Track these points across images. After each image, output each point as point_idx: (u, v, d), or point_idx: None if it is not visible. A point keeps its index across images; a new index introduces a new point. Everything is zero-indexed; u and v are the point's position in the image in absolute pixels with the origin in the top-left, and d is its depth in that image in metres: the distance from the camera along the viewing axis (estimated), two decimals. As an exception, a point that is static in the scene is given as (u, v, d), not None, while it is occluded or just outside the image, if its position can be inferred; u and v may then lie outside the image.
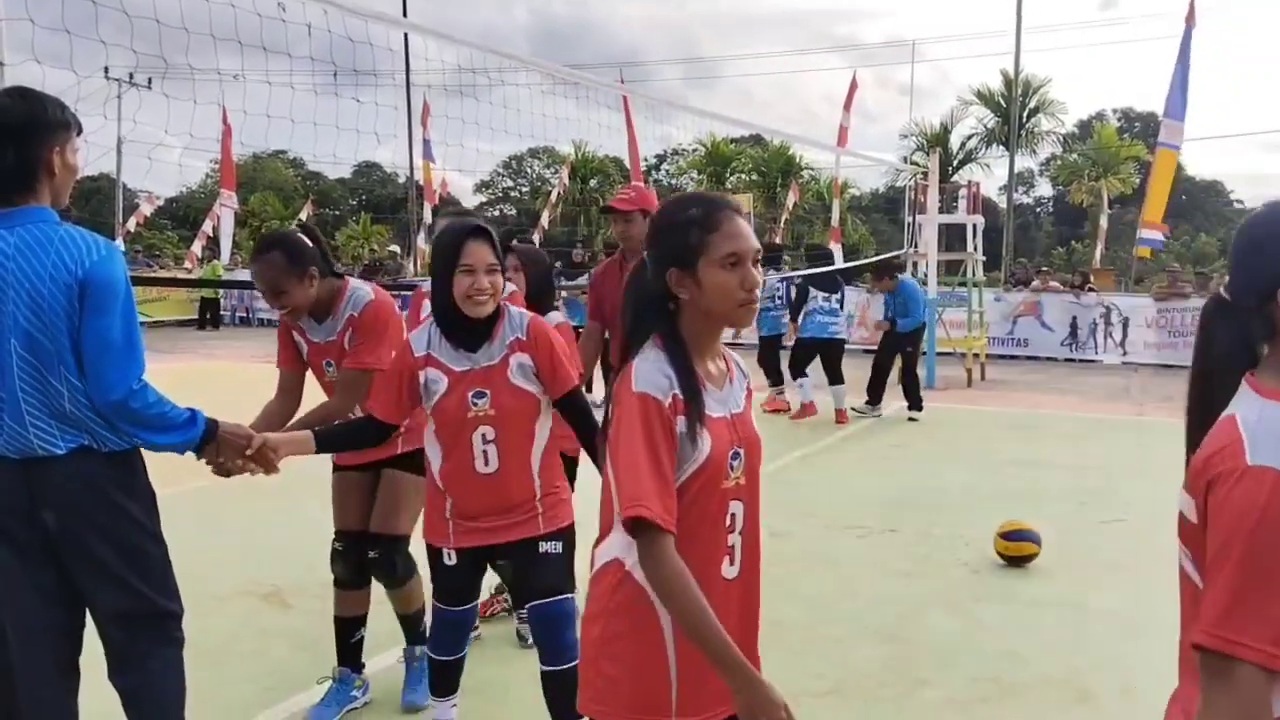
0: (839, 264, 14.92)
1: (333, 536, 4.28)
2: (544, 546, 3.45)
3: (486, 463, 3.36)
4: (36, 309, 2.82)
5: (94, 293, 2.86)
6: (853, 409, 12.42)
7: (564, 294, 14.81)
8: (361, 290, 4.09)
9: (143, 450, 3.07)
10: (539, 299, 4.75)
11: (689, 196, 2.39)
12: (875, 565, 6.41)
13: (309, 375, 4.22)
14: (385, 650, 4.63)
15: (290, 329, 4.16)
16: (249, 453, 3.19)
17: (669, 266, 2.22)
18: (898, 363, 12.68)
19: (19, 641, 3.03)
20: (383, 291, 4.17)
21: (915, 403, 12.50)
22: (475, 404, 3.32)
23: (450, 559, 3.50)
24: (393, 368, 3.43)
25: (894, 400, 13.42)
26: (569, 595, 3.48)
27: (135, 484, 3.05)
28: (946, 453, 10.45)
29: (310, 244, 3.97)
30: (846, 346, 12.84)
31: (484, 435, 3.34)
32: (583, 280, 13.45)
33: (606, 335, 5.69)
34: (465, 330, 3.35)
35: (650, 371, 2.16)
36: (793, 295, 13.00)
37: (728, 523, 2.25)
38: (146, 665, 3.09)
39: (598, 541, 2.31)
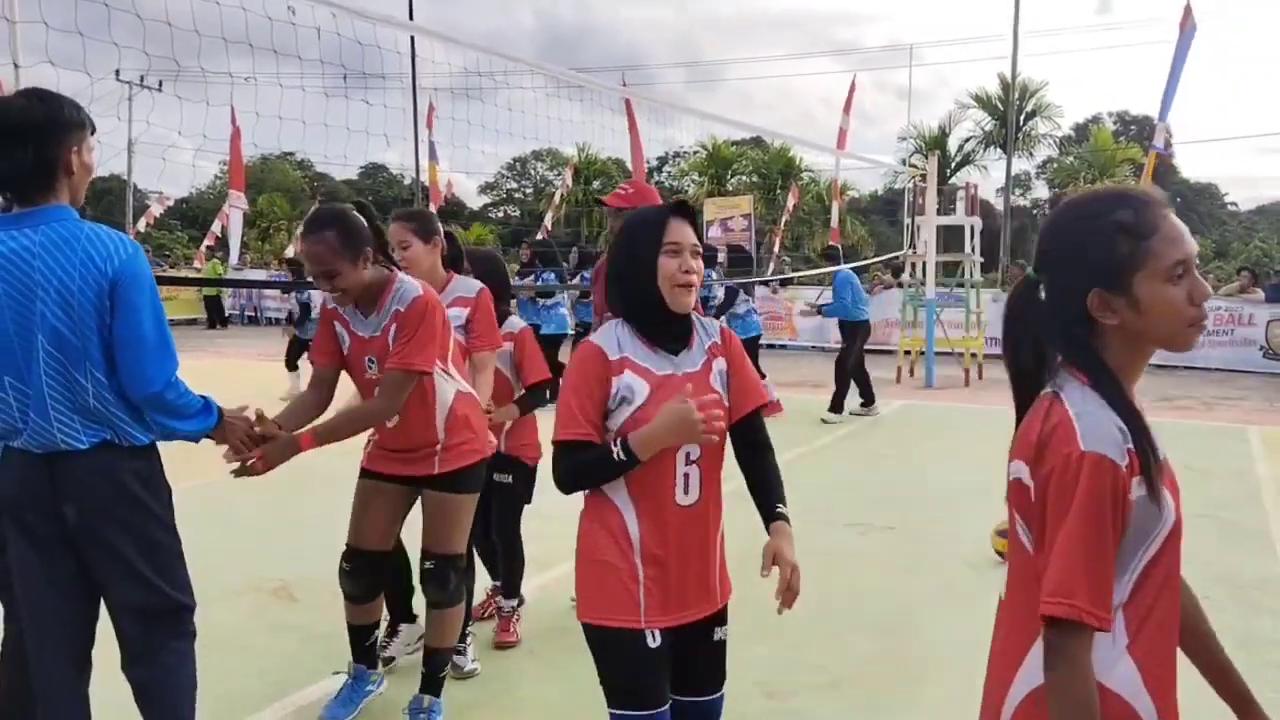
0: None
1: (342, 552, 4.06)
2: (719, 632, 2.83)
3: (687, 490, 2.68)
4: (66, 306, 2.87)
5: (125, 290, 2.92)
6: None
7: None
8: (409, 285, 3.80)
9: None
10: (495, 302, 4.63)
11: (1106, 195, 1.86)
12: (875, 562, 6.46)
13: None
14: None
15: (334, 320, 3.89)
16: (252, 432, 3.30)
17: (1089, 287, 1.77)
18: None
19: (33, 632, 3.08)
20: (430, 289, 3.87)
21: (835, 404, 12.49)
22: None
23: (655, 640, 2.65)
24: (582, 380, 2.66)
25: (894, 399, 13.50)
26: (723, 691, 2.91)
27: (154, 479, 3.11)
28: (945, 451, 10.50)
29: (365, 224, 3.71)
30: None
31: (688, 454, 2.67)
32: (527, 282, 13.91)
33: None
34: (668, 326, 2.74)
35: (1100, 424, 1.70)
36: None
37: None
38: (159, 658, 3.13)
39: (1009, 655, 1.87)
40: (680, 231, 2.70)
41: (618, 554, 2.64)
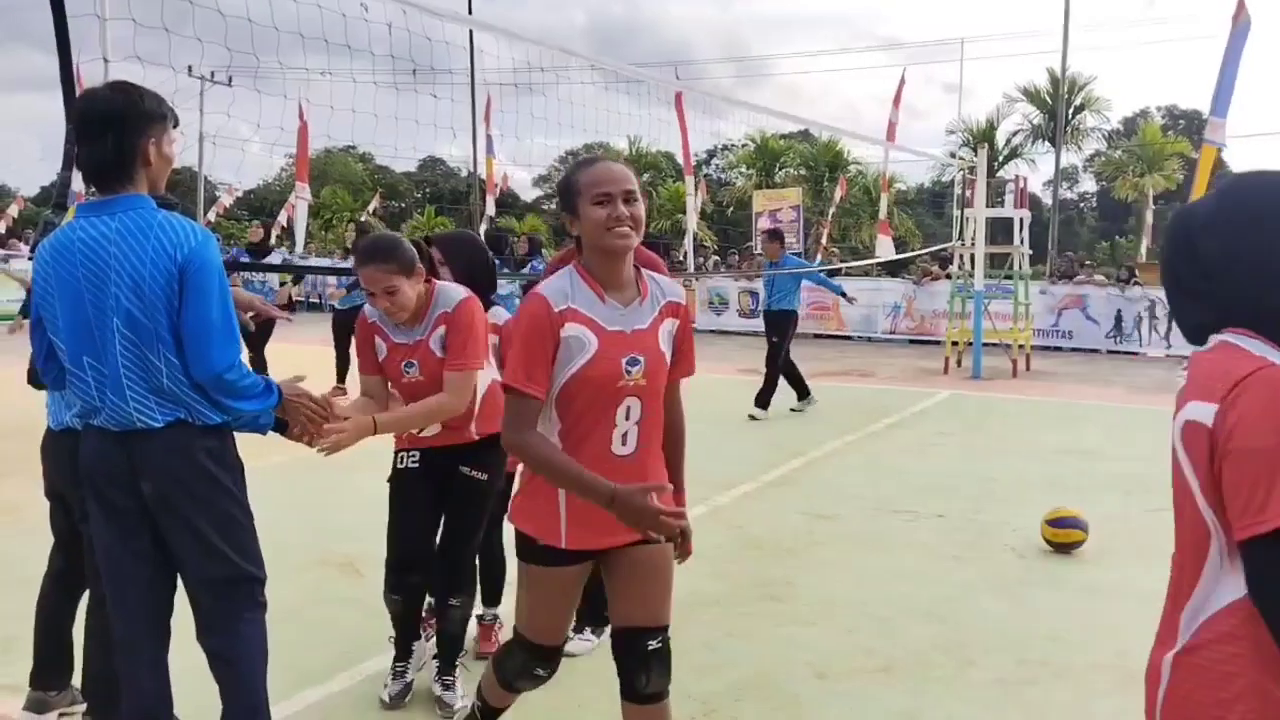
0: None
1: (531, 646, 3.17)
2: None
3: None
4: (138, 290, 2.98)
5: (194, 276, 3.01)
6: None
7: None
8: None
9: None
10: (477, 293, 4.15)
11: None
12: (924, 549, 6.49)
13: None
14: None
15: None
16: (316, 404, 3.35)
17: None
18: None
19: (115, 602, 3.20)
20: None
21: (762, 399, 11.71)
22: None
23: None
24: None
25: (941, 389, 13.47)
26: None
27: (227, 456, 3.20)
28: (992, 441, 10.50)
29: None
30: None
31: None
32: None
33: None
34: None
35: None
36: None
37: None
38: (233, 627, 3.23)
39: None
40: None
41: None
